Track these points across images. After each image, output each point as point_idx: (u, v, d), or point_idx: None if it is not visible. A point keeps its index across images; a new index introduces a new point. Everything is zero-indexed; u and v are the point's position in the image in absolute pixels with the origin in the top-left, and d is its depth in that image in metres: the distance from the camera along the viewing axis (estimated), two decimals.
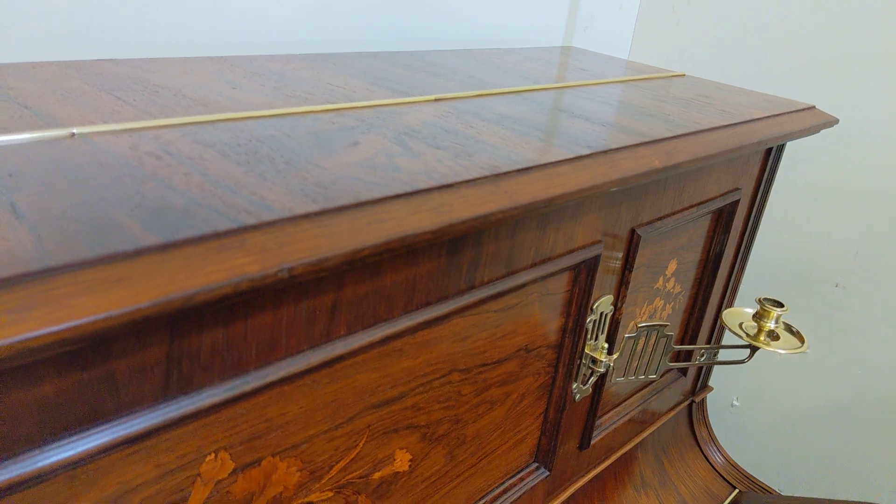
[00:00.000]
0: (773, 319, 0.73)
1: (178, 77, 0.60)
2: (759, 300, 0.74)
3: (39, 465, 0.32)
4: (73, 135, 0.43)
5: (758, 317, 0.74)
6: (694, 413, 1.01)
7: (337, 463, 0.48)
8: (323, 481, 0.48)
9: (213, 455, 0.40)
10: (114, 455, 0.35)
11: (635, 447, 0.90)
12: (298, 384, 0.42)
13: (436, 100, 0.63)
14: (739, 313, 0.77)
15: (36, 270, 0.28)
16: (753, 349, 0.74)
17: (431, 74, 0.75)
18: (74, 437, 0.32)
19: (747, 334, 0.74)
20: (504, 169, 0.46)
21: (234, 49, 0.79)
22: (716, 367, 1.35)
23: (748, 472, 1.00)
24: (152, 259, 0.30)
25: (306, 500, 0.47)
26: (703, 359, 0.80)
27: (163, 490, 0.38)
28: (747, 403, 1.42)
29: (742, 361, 0.76)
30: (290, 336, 0.40)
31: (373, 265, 0.42)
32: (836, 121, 0.84)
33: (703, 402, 1.02)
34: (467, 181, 0.43)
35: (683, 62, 1.27)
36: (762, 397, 1.39)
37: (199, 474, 0.40)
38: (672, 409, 0.96)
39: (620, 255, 0.66)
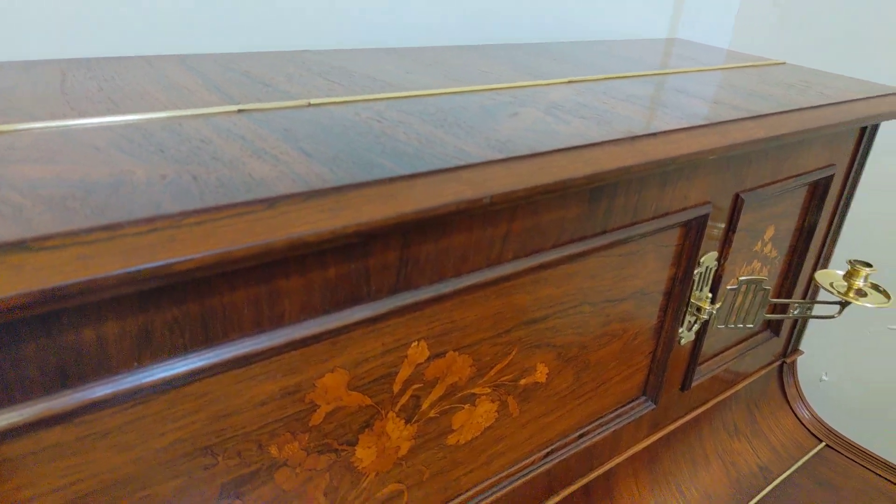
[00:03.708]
0: (862, 278, 0.81)
1: (365, 64, 0.74)
2: (850, 261, 0.82)
3: (314, 329, 0.45)
4: (309, 104, 0.58)
5: (848, 276, 0.83)
6: (784, 373, 1.09)
7: (496, 365, 0.61)
8: (485, 378, 0.61)
9: (416, 342, 0.53)
10: (359, 330, 0.49)
11: (729, 398, 0.99)
12: (476, 295, 0.55)
13: (569, 82, 0.75)
14: (831, 274, 0.86)
15: (335, 187, 0.41)
16: (843, 305, 0.83)
17: (559, 62, 0.87)
18: (341, 311, 0.46)
19: (838, 291, 0.82)
20: (636, 133, 0.58)
21: (384, 42, 0.93)
22: (807, 340, 1.42)
23: (835, 428, 1.07)
24: (403, 184, 0.44)
25: (472, 391, 0.60)
26: (796, 312, 0.89)
27: (384, 364, 0.52)
28: (837, 378, 1.48)
29: (832, 317, 0.85)
30: (475, 255, 0.53)
31: (534, 206, 0.54)
32: None
33: (793, 363, 1.10)
34: (609, 141, 0.55)
35: (784, 52, 1.33)
36: (851, 372, 1.44)
37: (406, 356, 0.53)
38: (764, 367, 1.05)
39: (725, 216, 0.76)
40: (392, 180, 0.43)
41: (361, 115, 0.56)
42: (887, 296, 0.82)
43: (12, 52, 0.67)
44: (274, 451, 0.48)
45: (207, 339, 0.41)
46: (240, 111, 0.54)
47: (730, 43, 1.42)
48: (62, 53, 0.70)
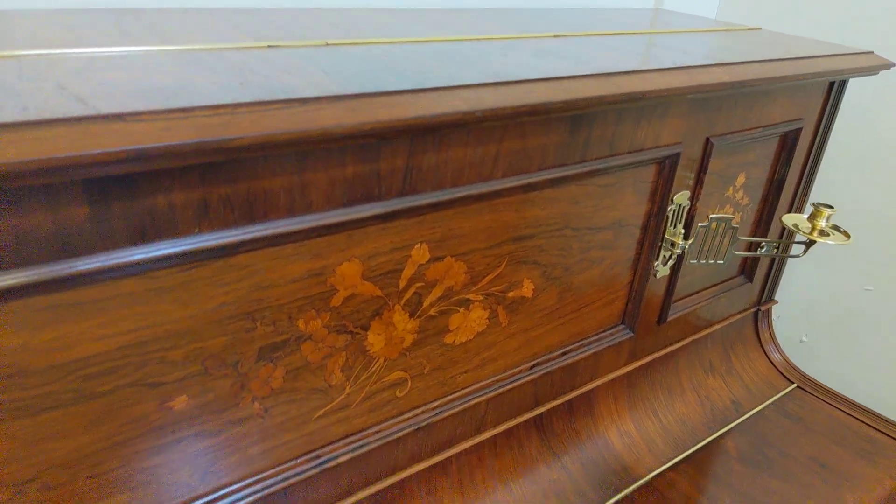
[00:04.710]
0: (825, 218, 0.90)
1: (372, 20, 0.84)
2: (813, 204, 0.91)
3: (336, 219, 0.55)
4: (326, 43, 0.67)
5: (812, 217, 0.92)
6: (759, 319, 1.18)
7: (488, 275, 0.70)
8: (478, 286, 0.70)
9: (419, 245, 0.63)
10: (372, 227, 0.58)
11: (706, 338, 1.09)
12: (470, 208, 0.65)
13: (555, 36, 0.85)
14: (797, 217, 0.95)
15: (353, 94, 0.51)
16: (808, 244, 0.92)
17: (546, 22, 0.96)
18: (358, 206, 0.56)
19: (802, 232, 0.91)
20: (612, 71, 0.67)
21: (389, 5, 1.02)
22: (787, 302, 1.51)
23: (806, 372, 1.17)
24: (410, 97, 0.53)
25: (466, 296, 0.70)
26: (764, 251, 0.98)
27: (390, 260, 0.61)
28: (815, 339, 1.57)
29: (798, 256, 0.94)
30: (469, 171, 0.62)
31: (521, 129, 0.64)
32: (892, 64, 1.00)
33: (768, 311, 1.19)
34: (586, 75, 0.65)
35: (767, 24, 1.42)
36: (830, 332, 1.53)
37: (410, 256, 0.63)
38: (740, 312, 1.14)
39: (697, 157, 0.86)
40: (400, 93, 0.53)
41: (371, 51, 0.65)
42: (847, 235, 0.91)
43: (60, 1, 0.77)
44: (301, 324, 0.58)
45: (252, 218, 0.50)
46: (269, 47, 0.63)
47: (715, 15, 1.51)
48: (109, 4, 0.79)
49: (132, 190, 0.44)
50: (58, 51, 0.54)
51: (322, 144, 0.49)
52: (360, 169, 0.54)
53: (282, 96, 0.47)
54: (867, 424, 1.08)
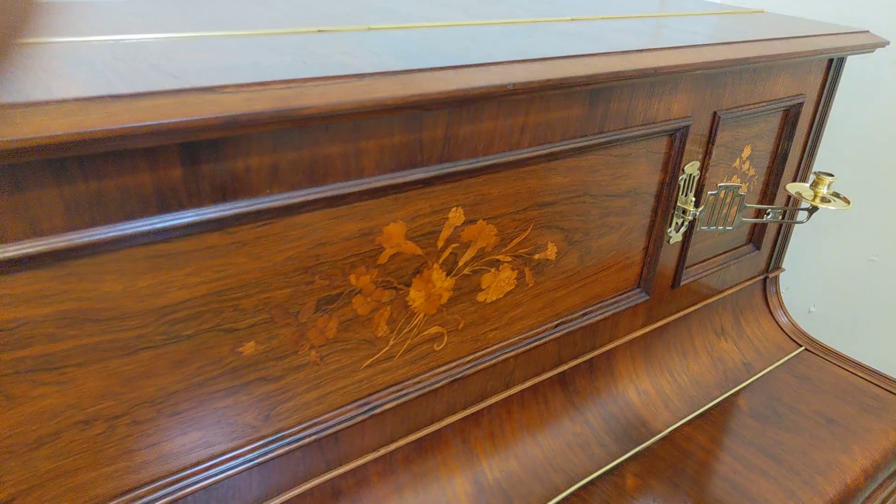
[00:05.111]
0: (826, 186, 0.97)
1: (406, 7, 0.91)
2: (815, 172, 0.98)
3: (384, 183, 0.62)
4: (369, 28, 0.74)
5: (813, 185, 0.98)
6: (767, 286, 1.24)
7: (515, 238, 0.77)
8: (507, 248, 0.77)
9: (455, 208, 0.69)
10: (414, 191, 0.65)
11: (717, 303, 1.15)
12: (500, 175, 0.71)
13: (571, 20, 0.91)
14: (799, 185, 1.01)
15: (401, 71, 0.57)
16: (811, 211, 0.98)
17: (563, 7, 1.02)
18: (403, 171, 0.63)
19: (805, 199, 0.97)
20: (627, 49, 0.73)
21: None
22: (795, 274, 1.57)
23: (814, 336, 1.23)
24: (450, 72, 0.60)
25: (497, 257, 0.77)
26: (769, 217, 1.04)
27: (430, 221, 0.68)
28: (824, 309, 1.62)
29: (802, 222, 1.00)
30: (499, 141, 0.69)
31: (545, 102, 0.70)
32: (887, 42, 1.05)
33: (776, 278, 1.25)
34: (604, 53, 0.71)
35: (766, 6, 1.48)
36: (837, 302, 1.59)
37: (447, 218, 0.69)
38: (749, 279, 1.21)
39: (705, 130, 0.92)
40: (443, 69, 0.59)
41: (411, 34, 0.72)
42: (847, 201, 0.97)
43: None
44: (353, 279, 0.65)
45: (313, 180, 0.57)
46: (319, 31, 0.70)
47: None
48: None
49: (218, 153, 0.51)
50: (137, 36, 0.61)
51: (376, 114, 0.55)
52: (406, 138, 0.61)
53: (341, 72, 0.54)
54: (872, 383, 1.14)
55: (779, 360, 1.18)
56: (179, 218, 0.51)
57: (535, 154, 0.72)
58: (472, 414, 0.84)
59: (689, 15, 1.07)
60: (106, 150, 0.46)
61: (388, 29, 0.74)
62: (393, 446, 0.77)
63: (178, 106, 0.46)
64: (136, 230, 0.49)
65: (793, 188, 1.00)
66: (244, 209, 0.54)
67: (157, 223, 0.50)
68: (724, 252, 1.13)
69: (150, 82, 0.47)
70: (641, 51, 0.74)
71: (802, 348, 1.22)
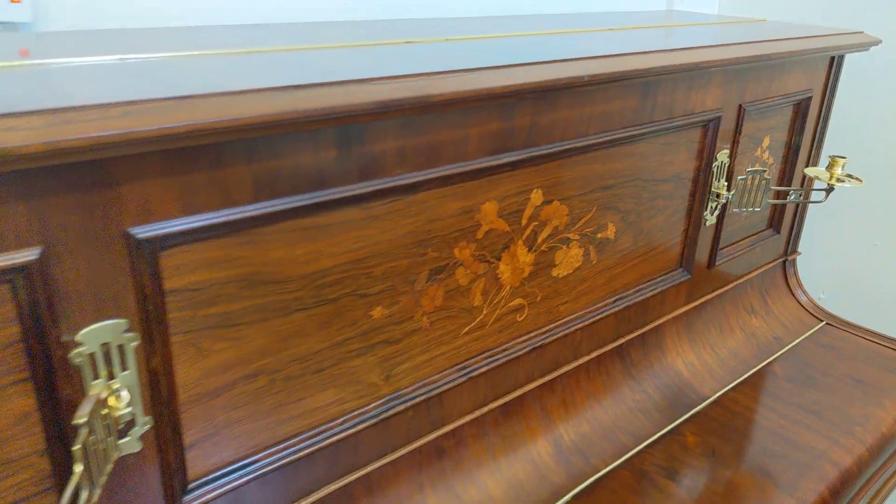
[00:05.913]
0: (840, 167, 1.08)
1: (454, 25, 1.02)
2: (830, 156, 1.09)
3: (483, 165, 0.72)
4: (447, 39, 0.85)
5: (829, 167, 1.09)
6: (787, 268, 1.35)
7: (582, 217, 0.87)
8: (576, 227, 0.87)
9: (536, 189, 0.79)
10: (504, 173, 0.75)
11: (745, 283, 1.25)
12: (571, 160, 0.82)
13: (609, 29, 1.03)
14: (816, 169, 1.12)
15: (497, 66, 0.68)
16: (828, 190, 1.09)
17: (589, 22, 1.14)
18: (498, 155, 0.73)
19: (823, 180, 1.08)
20: (671, 48, 0.85)
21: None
22: (806, 262, 1.67)
23: (832, 312, 1.33)
24: (538, 67, 0.70)
25: (568, 235, 0.86)
26: (792, 198, 1.15)
27: (516, 201, 0.78)
28: (833, 295, 1.73)
29: (820, 201, 1.11)
30: (571, 128, 0.79)
31: (606, 93, 0.81)
32: (879, 41, 1.18)
33: (793, 261, 1.36)
34: (653, 51, 0.82)
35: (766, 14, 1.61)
36: (845, 287, 1.70)
37: (529, 198, 0.79)
38: (771, 262, 1.31)
39: (733, 121, 1.03)
40: (532, 64, 0.70)
41: (484, 43, 0.83)
42: (860, 180, 1.08)
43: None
44: (457, 252, 0.74)
45: (430, 163, 0.67)
46: (407, 42, 0.81)
47: (717, 12, 1.71)
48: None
49: (362, 138, 0.61)
50: (269, 47, 0.71)
51: (483, 101, 0.66)
52: (501, 125, 0.71)
53: (453, 68, 0.65)
54: (891, 349, 1.24)
55: (804, 334, 1.28)
56: (331, 194, 0.61)
57: (599, 140, 0.83)
58: (548, 382, 0.93)
59: (702, 25, 1.19)
60: (286, 132, 0.55)
61: (464, 40, 0.85)
62: (485, 409, 0.86)
63: (341, 94, 0.56)
64: (300, 203, 0.59)
65: (811, 171, 1.11)
66: (378, 187, 0.64)
67: (315, 198, 0.60)
68: (750, 235, 1.23)
69: (316, 77, 0.57)
70: (685, 49, 0.85)
71: (824, 322, 1.32)
